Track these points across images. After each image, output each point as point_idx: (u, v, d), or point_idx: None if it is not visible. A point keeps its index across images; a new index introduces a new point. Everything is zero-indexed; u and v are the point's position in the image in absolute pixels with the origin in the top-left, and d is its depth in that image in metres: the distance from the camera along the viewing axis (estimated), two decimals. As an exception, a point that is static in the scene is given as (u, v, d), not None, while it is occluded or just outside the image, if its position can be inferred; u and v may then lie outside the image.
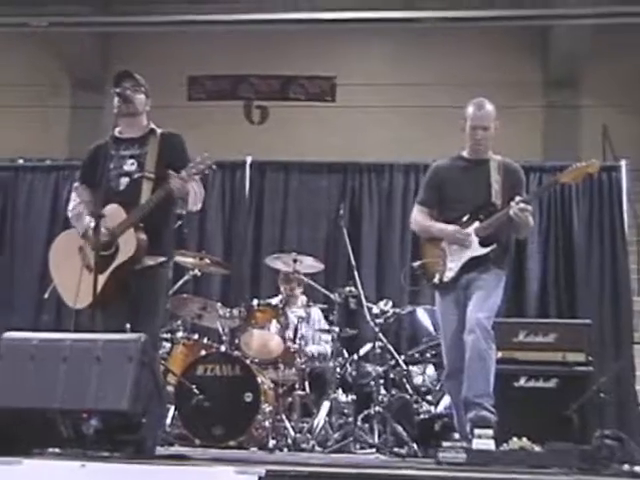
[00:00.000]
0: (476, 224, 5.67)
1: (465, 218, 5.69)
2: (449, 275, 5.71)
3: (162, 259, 5.40)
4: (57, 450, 4.55)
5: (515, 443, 5.15)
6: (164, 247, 5.44)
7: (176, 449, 6.41)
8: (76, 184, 5.71)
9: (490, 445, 5.12)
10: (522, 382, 6.57)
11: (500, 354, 5.90)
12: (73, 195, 5.68)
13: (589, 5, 10.33)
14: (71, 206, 5.65)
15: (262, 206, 9.02)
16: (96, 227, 5.18)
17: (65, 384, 4.51)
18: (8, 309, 9.13)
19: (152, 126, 5.59)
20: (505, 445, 5.16)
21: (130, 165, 5.46)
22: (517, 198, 5.58)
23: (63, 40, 12.38)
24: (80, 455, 4.40)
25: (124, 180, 5.43)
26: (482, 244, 5.65)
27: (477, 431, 5.20)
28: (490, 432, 5.18)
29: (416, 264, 5.99)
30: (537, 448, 5.12)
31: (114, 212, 5.30)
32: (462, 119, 5.83)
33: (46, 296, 5.62)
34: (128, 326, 5.13)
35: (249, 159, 8.93)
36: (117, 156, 5.47)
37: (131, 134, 5.55)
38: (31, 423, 4.57)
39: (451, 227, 5.72)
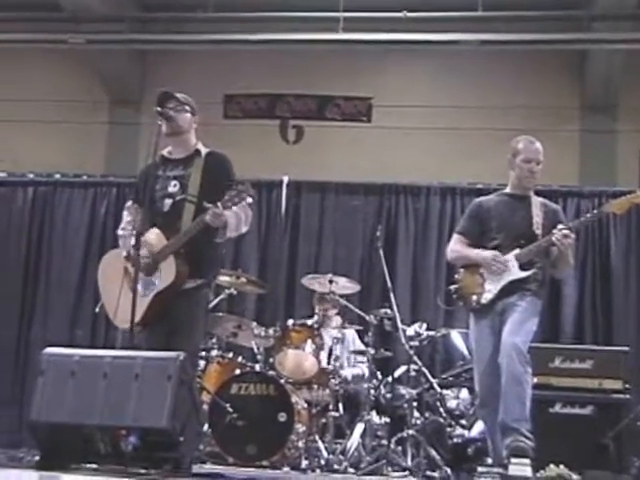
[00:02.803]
0: (517, 250, 5.66)
1: (506, 245, 5.69)
2: (487, 297, 5.69)
3: (201, 281, 5.41)
4: (95, 466, 4.57)
5: (552, 470, 5.12)
6: (204, 270, 5.44)
7: (209, 467, 6.41)
8: (128, 203, 5.75)
9: (527, 472, 5.08)
10: (557, 408, 6.53)
11: (535, 380, 5.86)
12: (124, 214, 5.72)
13: (626, 30, 10.32)
14: (121, 225, 5.70)
15: (298, 226, 9.04)
16: (136, 245, 5.21)
17: (104, 401, 4.54)
18: (44, 323, 9.19)
19: (199, 146, 5.59)
20: (542, 472, 5.12)
21: (173, 187, 5.49)
22: (560, 225, 5.58)
23: (101, 57, 12.47)
24: (118, 471, 4.43)
25: (168, 202, 5.47)
26: (522, 269, 5.64)
27: (514, 458, 5.16)
28: (527, 459, 5.14)
29: (453, 287, 5.97)
30: (575, 476, 5.09)
31: (155, 237, 5.35)
32: (510, 155, 5.84)
33: (97, 310, 5.65)
34: None
35: (286, 178, 8.95)
36: (163, 177, 5.51)
37: (178, 154, 5.59)
38: (70, 439, 4.60)
39: (489, 252, 5.72)
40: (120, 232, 5.67)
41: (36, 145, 12.54)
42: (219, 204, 5.16)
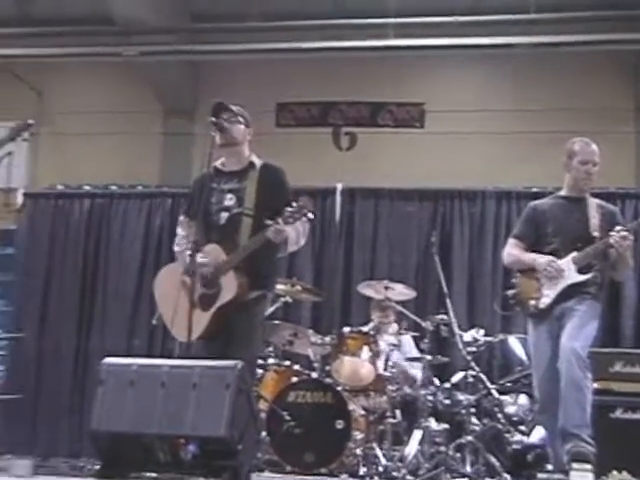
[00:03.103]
0: (574, 253, 5.60)
1: (563, 248, 5.64)
2: (545, 302, 5.65)
3: (260, 293, 5.43)
4: (154, 475, 4.60)
5: (615, 477, 5.06)
6: (263, 282, 5.46)
7: (267, 475, 6.42)
8: (181, 218, 5.77)
9: (588, 478, 5.04)
10: (618, 414, 6.42)
11: (595, 385, 5.78)
12: (178, 229, 5.74)
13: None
14: (176, 240, 5.73)
15: (352, 232, 9.02)
16: (193, 255, 5.23)
17: (163, 410, 4.57)
18: (102, 333, 9.28)
19: (253, 158, 5.59)
20: (604, 478, 5.06)
21: (229, 200, 5.49)
22: (618, 227, 5.51)
23: (154, 68, 12.57)
24: (177, 480, 4.46)
25: (224, 215, 5.47)
26: (580, 272, 5.58)
27: (575, 464, 5.10)
28: (588, 465, 5.08)
29: (510, 292, 5.92)
30: (638, 482, 5.01)
31: (214, 252, 5.36)
32: (566, 157, 5.79)
33: (154, 322, 5.70)
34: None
35: (340, 186, 8.94)
36: (218, 189, 5.52)
37: (232, 167, 5.59)
38: (130, 447, 4.63)
39: (544, 258, 5.67)
40: (176, 248, 5.70)
41: (92, 157, 12.67)
42: (280, 220, 5.16)
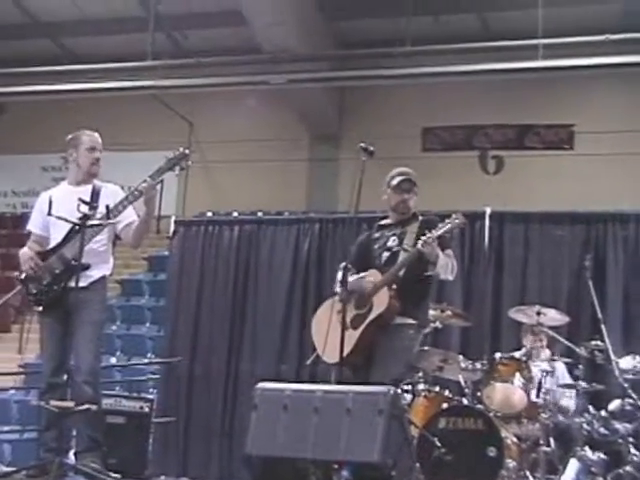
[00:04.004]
0: None
1: None
2: None
3: (410, 321, 5.57)
4: (307, 499, 4.62)
5: None
6: (415, 311, 5.69)
7: (418, 502, 6.34)
8: (343, 264, 5.96)
9: None
10: None
11: None
12: (338, 274, 5.96)
13: None
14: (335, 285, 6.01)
15: (502, 257, 8.87)
16: (344, 279, 5.38)
17: (316, 435, 4.59)
18: (252, 357, 9.38)
19: (415, 211, 6.04)
20: None
21: (392, 242, 5.94)
22: None
23: (301, 95, 12.74)
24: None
25: (385, 254, 5.91)
26: None
27: None
28: None
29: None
30: None
31: (372, 274, 5.71)
32: None
33: (308, 362, 5.86)
34: None
35: (488, 210, 8.83)
36: (381, 237, 6.02)
37: (395, 219, 6.09)
38: (283, 472, 4.66)
39: None
40: (337, 289, 5.93)
41: (240, 184, 12.94)
42: (433, 232, 5.53)
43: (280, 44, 11.57)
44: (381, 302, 5.51)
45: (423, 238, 5.50)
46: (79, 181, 6.17)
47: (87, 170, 6.15)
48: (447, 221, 5.59)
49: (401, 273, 5.69)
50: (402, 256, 5.74)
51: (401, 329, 5.62)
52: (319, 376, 5.51)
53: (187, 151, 5.89)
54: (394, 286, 5.60)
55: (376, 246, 5.96)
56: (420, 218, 6.01)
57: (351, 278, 5.70)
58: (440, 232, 5.51)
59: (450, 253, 5.81)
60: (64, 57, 15.25)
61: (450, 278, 5.91)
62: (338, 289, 5.88)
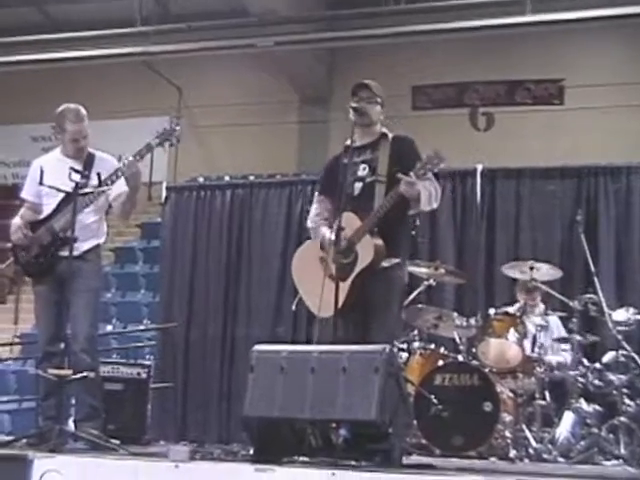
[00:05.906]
0: None
1: None
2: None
3: (396, 261, 5.47)
4: (306, 459, 4.65)
5: None
6: (398, 249, 5.51)
7: (416, 458, 6.40)
8: (316, 195, 5.93)
9: None
10: None
11: None
12: (313, 206, 5.85)
13: None
14: (310, 217, 5.86)
15: (494, 213, 8.87)
16: (336, 239, 5.29)
17: (313, 395, 4.62)
18: (247, 321, 9.41)
19: (384, 130, 5.71)
20: None
21: (362, 170, 5.60)
22: None
23: (289, 58, 12.68)
24: (330, 464, 4.48)
25: (358, 185, 5.58)
26: None
27: None
28: None
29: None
30: None
31: (349, 220, 5.40)
32: None
33: (293, 308, 5.80)
34: None
35: (480, 167, 8.83)
36: (351, 164, 5.58)
37: (364, 140, 5.68)
38: (282, 433, 4.70)
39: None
40: (310, 224, 5.86)
41: (230, 148, 12.90)
42: (411, 173, 5.22)
43: (267, 6, 11.50)
44: (367, 251, 5.32)
45: (405, 179, 5.18)
46: (69, 156, 6.15)
47: (73, 155, 6.13)
48: (426, 160, 5.22)
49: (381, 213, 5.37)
50: (377, 188, 5.46)
51: (392, 274, 5.49)
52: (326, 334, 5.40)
53: (177, 126, 5.82)
54: (375, 229, 5.36)
55: (347, 174, 5.48)
56: (390, 137, 5.67)
57: (327, 232, 5.52)
58: (421, 172, 5.19)
59: (430, 178, 5.40)
60: (49, 25, 15.12)
61: (435, 207, 5.58)
62: (310, 224, 5.78)
